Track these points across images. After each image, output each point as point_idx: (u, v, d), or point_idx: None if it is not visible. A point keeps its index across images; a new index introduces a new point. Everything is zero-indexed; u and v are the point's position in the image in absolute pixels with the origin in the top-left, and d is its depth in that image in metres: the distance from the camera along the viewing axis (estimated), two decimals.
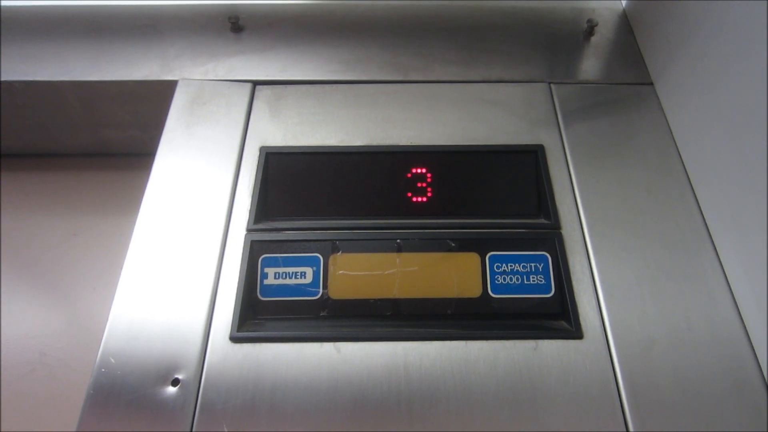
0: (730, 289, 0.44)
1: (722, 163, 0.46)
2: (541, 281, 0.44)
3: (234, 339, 0.42)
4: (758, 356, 0.41)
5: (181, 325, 0.43)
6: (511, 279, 0.44)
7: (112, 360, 0.41)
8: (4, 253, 0.63)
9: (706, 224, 0.48)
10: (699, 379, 0.40)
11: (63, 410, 0.50)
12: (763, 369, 0.40)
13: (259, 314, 0.44)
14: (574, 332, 0.42)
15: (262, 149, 0.53)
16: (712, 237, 0.47)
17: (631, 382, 0.40)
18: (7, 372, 0.54)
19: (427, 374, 0.40)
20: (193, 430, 0.38)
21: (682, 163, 0.52)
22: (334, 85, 0.59)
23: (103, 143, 0.70)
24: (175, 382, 0.40)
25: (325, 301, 0.44)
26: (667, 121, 0.56)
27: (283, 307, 0.44)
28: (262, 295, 0.44)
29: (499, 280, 0.44)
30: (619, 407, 0.39)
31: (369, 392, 0.40)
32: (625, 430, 0.38)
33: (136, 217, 0.48)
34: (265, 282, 0.45)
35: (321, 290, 0.44)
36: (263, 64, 0.61)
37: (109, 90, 0.61)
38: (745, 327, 0.42)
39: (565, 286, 0.44)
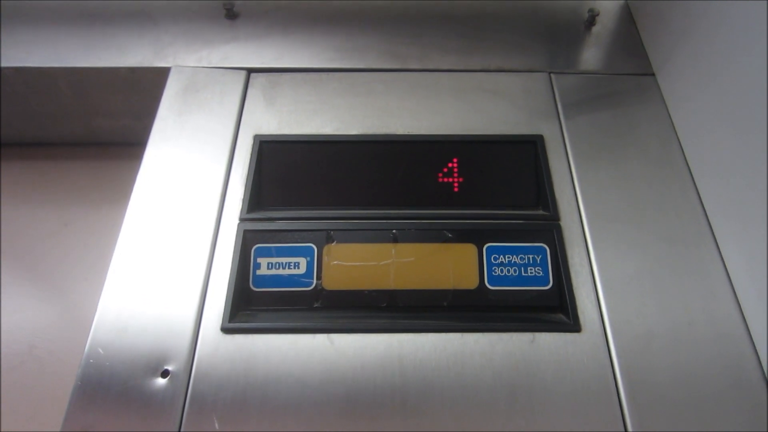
0: (731, 284, 0.43)
1: (724, 155, 0.45)
2: (539, 273, 0.43)
3: (225, 330, 0.41)
4: (759, 352, 0.40)
5: (171, 316, 0.42)
6: (508, 271, 0.43)
7: (101, 351, 0.40)
8: None
9: (707, 217, 0.47)
10: (698, 375, 0.39)
11: (52, 403, 0.49)
12: (763, 365, 0.40)
13: (252, 305, 0.43)
14: (572, 325, 0.41)
15: (256, 137, 0.52)
16: (713, 230, 0.46)
17: (630, 377, 0.39)
18: None
19: (422, 367, 0.40)
20: (183, 422, 0.37)
21: (684, 154, 0.51)
22: (330, 73, 0.57)
23: (95, 132, 0.68)
24: (164, 374, 0.39)
25: (319, 292, 0.43)
26: (668, 112, 0.55)
27: (276, 297, 0.43)
28: (255, 286, 0.44)
29: (496, 272, 0.43)
30: (617, 402, 0.38)
31: (363, 385, 0.39)
32: (622, 425, 0.38)
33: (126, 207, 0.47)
34: (258, 272, 0.44)
35: (315, 281, 0.43)
36: (258, 52, 0.60)
37: (102, 77, 0.60)
38: (745, 322, 0.42)
39: (564, 278, 0.43)
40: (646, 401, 0.38)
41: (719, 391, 0.39)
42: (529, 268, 0.43)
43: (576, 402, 0.38)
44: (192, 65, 0.58)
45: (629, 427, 0.37)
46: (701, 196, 0.48)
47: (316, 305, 0.43)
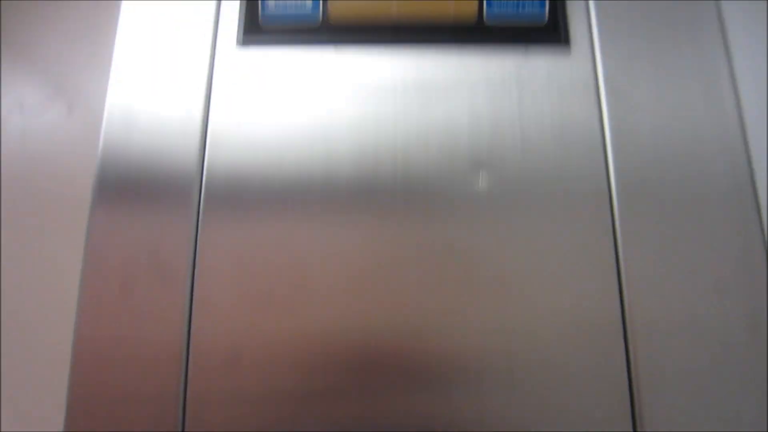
0: (734, 84, 0.43)
1: None
2: (536, 9, 0.45)
3: (241, 43, 0.44)
4: (746, 135, 0.41)
5: (187, 34, 0.45)
6: (506, 7, 0.45)
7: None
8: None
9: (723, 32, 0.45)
10: (681, 129, 0.41)
11: (83, 147, 0.53)
12: (749, 146, 0.41)
13: (262, 41, 0.45)
14: (563, 44, 0.44)
15: None
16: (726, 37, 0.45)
17: (614, 103, 0.42)
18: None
19: (423, 87, 0.43)
20: (206, 153, 0.42)
21: None
22: None
23: None
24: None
25: (326, 26, 0.45)
26: None
27: (285, 33, 0.45)
28: (264, 23, 0.45)
29: (494, 8, 0.45)
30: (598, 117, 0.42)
31: (367, 99, 0.43)
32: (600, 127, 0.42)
33: None
34: (266, 11, 0.45)
35: (321, 17, 0.45)
36: None
37: None
38: (735, 91, 0.43)
39: (559, 11, 0.45)
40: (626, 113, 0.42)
41: (702, 147, 0.41)
42: (526, 4, 0.45)
43: (561, 122, 0.42)
44: None
45: (608, 138, 0.42)
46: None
47: (323, 38, 0.45)
